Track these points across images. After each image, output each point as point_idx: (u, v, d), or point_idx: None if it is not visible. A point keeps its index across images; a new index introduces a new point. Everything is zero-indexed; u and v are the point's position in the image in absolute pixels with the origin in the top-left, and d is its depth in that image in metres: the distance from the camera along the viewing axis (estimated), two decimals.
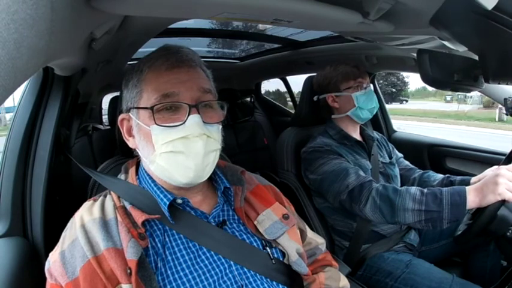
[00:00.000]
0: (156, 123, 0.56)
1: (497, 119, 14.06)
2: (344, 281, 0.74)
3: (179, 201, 0.60)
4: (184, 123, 0.56)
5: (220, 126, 0.62)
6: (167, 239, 0.57)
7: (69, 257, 0.52)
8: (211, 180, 0.68)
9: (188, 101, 0.57)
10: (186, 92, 0.57)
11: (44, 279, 0.54)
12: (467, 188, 0.86)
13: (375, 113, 1.21)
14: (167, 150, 0.56)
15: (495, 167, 0.92)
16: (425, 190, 0.91)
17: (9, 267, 0.62)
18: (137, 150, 0.63)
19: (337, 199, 1.05)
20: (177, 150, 0.56)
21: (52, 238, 0.60)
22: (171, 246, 0.57)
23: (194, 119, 0.56)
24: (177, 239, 0.58)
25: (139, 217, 0.55)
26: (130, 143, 0.64)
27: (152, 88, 0.58)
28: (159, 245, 0.56)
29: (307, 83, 1.32)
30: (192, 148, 0.56)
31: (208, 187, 0.67)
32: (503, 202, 0.80)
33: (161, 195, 0.59)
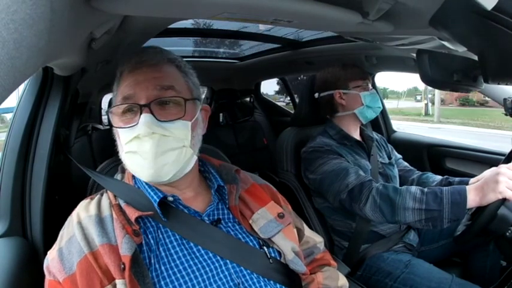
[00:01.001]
0: (114, 126, 0.60)
1: (423, 114, 15.20)
2: (343, 280, 0.74)
3: (170, 198, 0.60)
4: (137, 123, 0.57)
5: (189, 123, 0.59)
6: (160, 236, 0.58)
7: (66, 253, 0.53)
8: (206, 178, 0.69)
9: (143, 101, 0.58)
10: (141, 92, 0.58)
11: (43, 279, 0.54)
12: (467, 187, 0.86)
13: (379, 113, 1.22)
14: (127, 150, 0.58)
15: (493, 168, 0.92)
16: (425, 189, 0.91)
17: (9, 267, 0.62)
18: None
19: (337, 198, 1.05)
20: (133, 150, 0.58)
21: (51, 238, 0.60)
22: (165, 243, 0.57)
23: (145, 118, 0.56)
24: (171, 236, 0.58)
25: (132, 214, 0.57)
26: None
27: (119, 92, 0.61)
28: (152, 241, 0.56)
29: (308, 83, 1.32)
30: (143, 147, 0.56)
31: (200, 185, 0.68)
32: (503, 201, 0.80)
33: (152, 193, 0.60)
